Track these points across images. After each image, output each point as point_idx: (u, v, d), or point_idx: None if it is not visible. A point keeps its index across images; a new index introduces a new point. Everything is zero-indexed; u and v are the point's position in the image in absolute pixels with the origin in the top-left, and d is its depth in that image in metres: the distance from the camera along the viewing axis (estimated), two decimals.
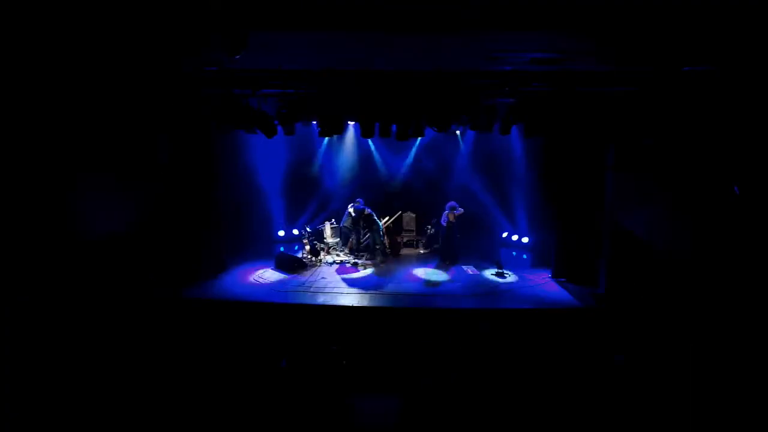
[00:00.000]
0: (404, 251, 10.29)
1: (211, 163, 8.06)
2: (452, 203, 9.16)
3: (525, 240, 10.42)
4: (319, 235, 9.70)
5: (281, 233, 11.20)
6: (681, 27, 4.33)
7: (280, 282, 7.76)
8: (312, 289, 7.31)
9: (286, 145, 10.52)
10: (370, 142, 11.22)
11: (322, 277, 8.02)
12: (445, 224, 9.13)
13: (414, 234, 10.87)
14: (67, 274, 5.98)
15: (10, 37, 4.61)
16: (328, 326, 6.28)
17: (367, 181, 11.51)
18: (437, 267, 8.88)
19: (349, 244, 9.93)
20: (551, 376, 5.01)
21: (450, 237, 9.15)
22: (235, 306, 6.73)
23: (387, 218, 10.17)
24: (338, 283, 7.72)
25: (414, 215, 10.91)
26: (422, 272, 8.54)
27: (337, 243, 9.79)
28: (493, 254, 9.41)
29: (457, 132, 10.75)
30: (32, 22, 4.46)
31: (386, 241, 10.17)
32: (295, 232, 11.08)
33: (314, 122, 7.67)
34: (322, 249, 9.46)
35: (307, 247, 9.26)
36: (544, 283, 7.71)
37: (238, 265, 8.65)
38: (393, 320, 6.34)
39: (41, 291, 5.63)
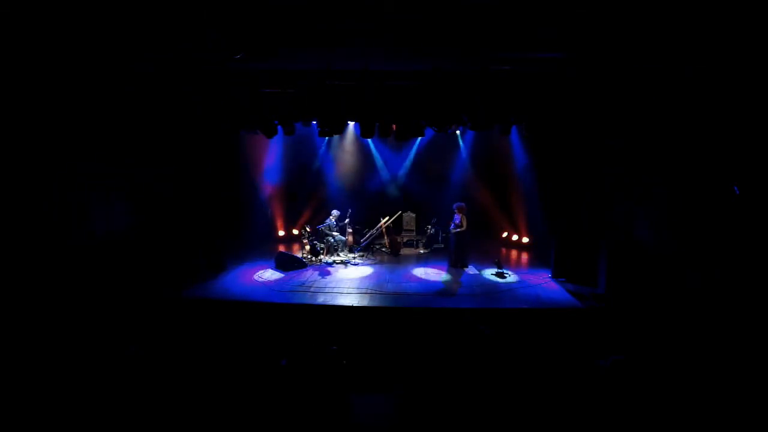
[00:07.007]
0: (404, 251, 10.29)
1: (211, 162, 8.06)
2: (460, 204, 8.69)
3: (525, 240, 10.42)
4: (318, 235, 9.70)
5: (281, 233, 11.20)
6: (679, 26, 4.34)
7: (280, 282, 7.76)
8: (312, 289, 7.31)
9: (286, 145, 10.54)
10: (370, 142, 11.23)
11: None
12: (454, 228, 8.60)
13: (414, 234, 10.88)
14: (66, 274, 5.99)
15: (9, 37, 4.61)
16: (328, 326, 6.28)
17: (366, 181, 11.51)
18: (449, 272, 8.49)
19: (347, 243, 10.00)
20: (551, 376, 5.01)
21: (462, 241, 8.60)
22: (235, 306, 6.73)
23: (387, 218, 10.17)
24: (338, 283, 7.73)
25: (414, 215, 10.92)
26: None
27: (336, 242, 9.79)
28: (493, 254, 9.41)
29: (457, 132, 10.76)
30: (33, 24, 4.47)
31: (386, 241, 10.18)
32: (295, 232, 11.09)
33: (314, 122, 7.67)
34: (322, 249, 9.45)
35: (307, 247, 9.27)
36: (544, 283, 7.72)
37: (238, 265, 8.66)
38: (393, 320, 6.34)
39: (41, 291, 5.64)
